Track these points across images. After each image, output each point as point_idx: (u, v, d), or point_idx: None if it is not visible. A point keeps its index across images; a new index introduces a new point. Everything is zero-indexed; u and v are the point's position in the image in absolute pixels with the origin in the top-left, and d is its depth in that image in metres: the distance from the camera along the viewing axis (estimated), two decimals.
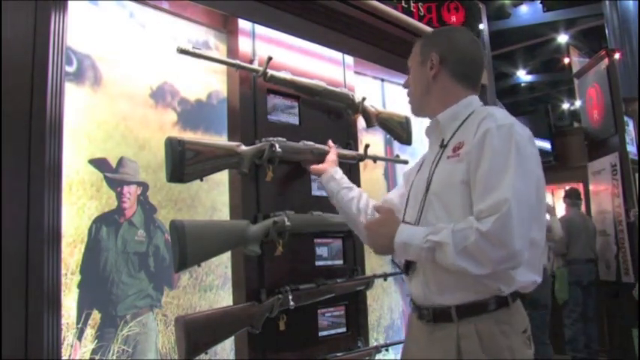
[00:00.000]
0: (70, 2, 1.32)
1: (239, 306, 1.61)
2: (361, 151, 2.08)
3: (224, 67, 1.80)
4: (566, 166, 5.33)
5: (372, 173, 2.39)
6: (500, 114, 1.18)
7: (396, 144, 2.46)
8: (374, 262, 2.30)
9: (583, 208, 4.82)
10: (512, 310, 1.16)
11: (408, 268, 1.26)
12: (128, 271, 1.51)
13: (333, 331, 1.92)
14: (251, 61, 1.77)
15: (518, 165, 1.09)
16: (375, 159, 2.10)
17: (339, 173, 1.65)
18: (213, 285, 1.72)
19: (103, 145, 1.50)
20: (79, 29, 1.47)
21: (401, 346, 2.37)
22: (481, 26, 3.09)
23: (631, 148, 4.67)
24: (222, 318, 1.52)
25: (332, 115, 2.02)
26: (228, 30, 1.84)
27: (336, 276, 1.89)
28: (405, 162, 2.32)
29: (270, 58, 1.68)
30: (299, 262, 1.81)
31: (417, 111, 1.39)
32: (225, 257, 1.73)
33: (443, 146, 1.25)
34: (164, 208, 1.63)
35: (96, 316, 1.42)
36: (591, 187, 4.81)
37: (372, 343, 2.12)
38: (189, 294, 1.65)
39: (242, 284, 1.67)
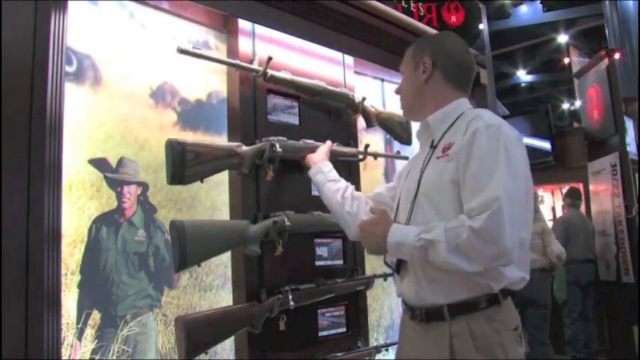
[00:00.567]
0: (70, 2, 1.32)
1: (239, 306, 1.61)
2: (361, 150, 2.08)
3: (224, 67, 1.80)
4: (566, 166, 5.32)
5: (372, 173, 2.39)
6: (488, 115, 1.20)
7: (396, 144, 2.46)
8: (374, 262, 2.30)
9: (583, 208, 4.81)
10: (504, 308, 1.17)
11: (399, 267, 1.27)
12: (128, 271, 1.51)
13: (333, 331, 1.92)
14: (251, 61, 1.77)
15: (507, 164, 1.10)
16: (375, 155, 2.10)
17: (327, 167, 1.66)
18: (213, 285, 1.72)
19: (103, 145, 1.50)
20: (79, 29, 1.47)
21: None
22: (481, 26, 3.09)
23: (631, 148, 4.66)
24: (222, 318, 1.53)
25: (332, 115, 2.02)
26: (228, 30, 1.84)
27: (336, 276, 1.89)
28: (406, 158, 2.31)
29: (270, 58, 1.68)
30: (299, 262, 1.81)
31: (410, 115, 1.42)
32: (225, 257, 1.73)
33: (433, 147, 1.26)
34: (164, 208, 1.63)
35: (96, 316, 1.42)
36: (591, 187, 4.80)
37: (372, 343, 2.12)
38: (189, 294, 1.66)
39: (242, 284, 1.67)
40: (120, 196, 1.52)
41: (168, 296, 1.60)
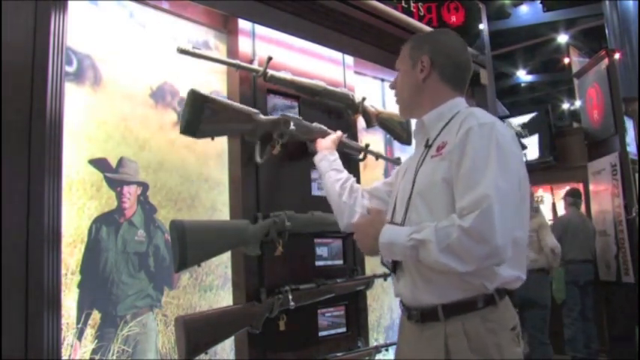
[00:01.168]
0: (70, 2, 1.32)
1: (239, 306, 1.61)
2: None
3: (224, 67, 1.80)
4: (566, 166, 5.32)
5: (372, 173, 2.39)
6: (481, 113, 1.20)
7: (396, 144, 2.46)
8: (374, 262, 2.29)
9: (583, 208, 4.81)
10: (500, 308, 1.16)
11: (396, 267, 1.27)
12: (128, 271, 1.51)
13: (333, 331, 1.92)
14: (251, 61, 1.77)
15: (499, 162, 1.09)
16: (377, 156, 2.09)
17: (333, 155, 1.68)
18: (213, 285, 1.72)
19: (103, 145, 1.50)
20: (79, 29, 1.47)
21: None
22: (481, 26, 3.09)
23: (631, 148, 4.66)
24: (222, 318, 1.53)
25: (332, 115, 2.02)
26: (228, 30, 1.84)
27: (336, 276, 1.89)
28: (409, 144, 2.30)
29: (270, 58, 1.68)
30: (299, 262, 1.81)
31: (406, 112, 1.41)
32: (225, 257, 1.73)
33: (427, 146, 1.26)
34: (164, 208, 1.63)
35: (96, 316, 1.42)
36: (591, 187, 4.80)
37: (372, 343, 2.12)
38: (189, 294, 1.66)
39: (242, 284, 1.67)
40: (120, 196, 1.52)
41: (168, 296, 1.60)
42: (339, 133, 1.82)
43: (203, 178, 1.74)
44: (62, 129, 1.26)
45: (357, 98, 2.05)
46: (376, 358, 2.01)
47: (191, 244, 1.41)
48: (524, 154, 4.90)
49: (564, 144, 5.37)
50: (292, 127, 1.67)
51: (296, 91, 1.87)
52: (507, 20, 9.63)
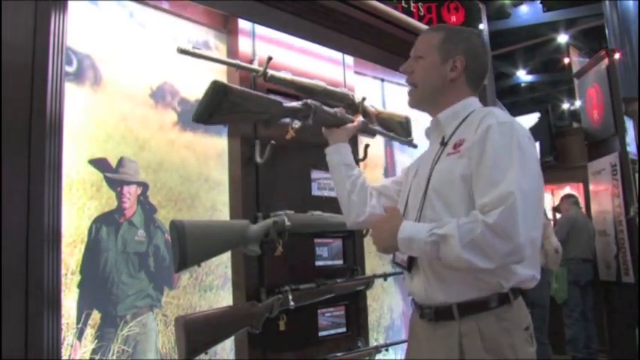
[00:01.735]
0: (70, 2, 1.32)
1: (239, 306, 1.61)
2: (361, 151, 2.08)
3: (224, 67, 1.80)
4: (566, 166, 5.32)
5: (372, 173, 2.39)
6: (500, 112, 1.20)
7: (396, 144, 2.46)
8: (374, 262, 2.30)
9: (583, 208, 4.82)
10: (514, 307, 1.16)
11: (411, 265, 1.25)
12: (128, 271, 1.51)
13: (333, 331, 1.92)
14: (251, 61, 1.77)
15: (520, 162, 1.09)
16: (391, 137, 2.01)
17: (346, 149, 1.59)
18: (213, 285, 1.72)
19: (103, 145, 1.50)
20: (79, 29, 1.47)
21: (401, 346, 2.37)
22: (481, 26, 3.09)
23: (631, 148, 4.66)
24: (222, 318, 1.53)
25: None
26: (228, 30, 1.84)
27: (336, 276, 1.89)
28: (414, 146, 2.25)
29: (270, 58, 1.68)
30: (299, 262, 1.81)
31: (419, 104, 1.36)
32: (225, 257, 1.73)
33: (443, 144, 1.25)
34: (164, 208, 1.63)
35: (96, 316, 1.42)
36: (591, 187, 4.80)
37: (372, 343, 2.12)
38: (189, 294, 1.65)
39: (242, 284, 1.67)
40: (120, 196, 1.52)
41: (168, 296, 1.60)
42: (356, 123, 1.68)
43: (203, 178, 1.74)
44: (62, 129, 1.26)
45: (357, 98, 2.05)
46: (376, 358, 2.01)
47: (191, 244, 1.41)
48: None
49: (564, 144, 5.37)
50: (311, 111, 1.57)
51: (296, 91, 1.87)
52: (507, 20, 9.63)
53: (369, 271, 2.07)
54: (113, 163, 1.52)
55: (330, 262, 1.94)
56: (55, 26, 1.26)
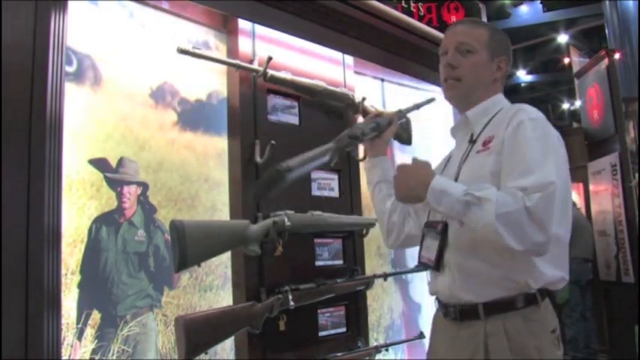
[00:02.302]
0: (70, 2, 1.32)
1: (239, 306, 1.61)
2: (361, 151, 2.08)
3: (224, 67, 1.80)
4: None
5: None
6: (531, 108, 1.19)
7: (396, 144, 2.46)
8: (374, 262, 2.30)
9: (583, 208, 4.82)
10: (542, 309, 1.14)
11: (439, 264, 1.21)
12: (128, 271, 1.51)
13: (333, 331, 1.92)
14: (251, 61, 1.77)
15: (555, 156, 1.09)
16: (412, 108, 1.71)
17: (386, 163, 1.51)
18: (213, 285, 1.72)
19: (103, 145, 1.50)
20: (79, 29, 1.47)
21: (401, 346, 2.37)
22: None
23: (631, 148, 4.66)
24: (222, 318, 1.52)
25: (332, 115, 2.02)
26: (228, 30, 1.84)
27: (336, 276, 1.89)
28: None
29: (270, 58, 1.68)
30: (299, 262, 1.81)
31: (460, 100, 1.31)
32: (225, 257, 1.73)
33: (472, 142, 1.24)
34: (164, 208, 1.63)
35: (96, 316, 1.42)
36: (591, 187, 4.80)
37: (372, 343, 2.12)
38: (189, 294, 1.65)
39: (242, 284, 1.67)
40: (120, 196, 1.52)
41: (168, 296, 1.60)
42: (393, 126, 1.51)
43: (203, 178, 1.74)
44: (62, 129, 1.26)
45: (357, 98, 2.05)
46: (376, 358, 2.01)
47: (191, 244, 1.41)
48: None
49: (564, 144, 5.37)
50: (363, 102, 1.53)
51: (296, 91, 1.87)
52: (507, 20, 9.63)
53: (369, 271, 2.07)
54: (113, 163, 1.52)
55: (330, 262, 1.94)
56: (55, 26, 1.25)
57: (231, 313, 1.56)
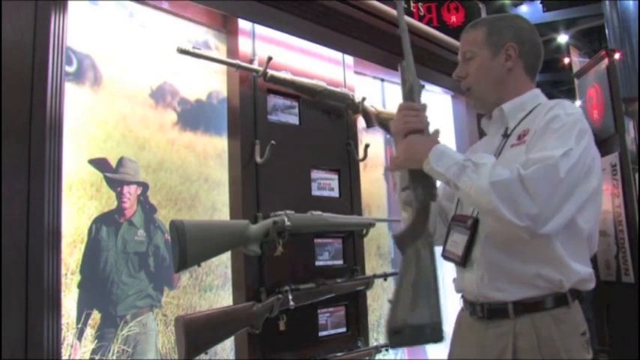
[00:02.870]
0: (70, 2, 1.32)
1: (239, 306, 1.61)
2: (361, 151, 2.08)
3: (224, 67, 1.80)
4: None
5: (371, 173, 2.39)
6: (569, 104, 1.16)
7: None
8: (374, 262, 2.30)
9: None
10: (572, 310, 1.12)
11: (466, 260, 1.18)
12: (128, 271, 1.51)
13: (333, 331, 1.92)
14: (251, 61, 1.77)
15: (578, 141, 1.05)
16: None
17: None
18: (213, 285, 1.72)
19: (103, 145, 1.50)
20: (79, 29, 1.47)
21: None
22: None
23: (631, 148, 4.66)
24: (222, 318, 1.52)
25: (332, 115, 2.02)
26: (228, 30, 1.84)
27: (336, 276, 1.89)
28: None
29: (270, 58, 1.68)
30: (299, 262, 1.81)
31: (482, 105, 1.30)
32: (225, 257, 1.73)
33: (506, 136, 1.20)
34: (164, 208, 1.63)
35: (96, 316, 1.42)
36: None
37: (372, 343, 2.12)
38: (189, 294, 1.65)
39: (242, 284, 1.67)
40: (120, 196, 1.52)
41: (168, 296, 1.60)
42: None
43: (203, 178, 1.74)
44: (62, 129, 1.26)
45: (357, 98, 2.05)
46: (376, 358, 2.01)
47: (191, 244, 1.41)
48: None
49: None
50: (419, 86, 1.28)
51: (296, 91, 1.87)
52: None
53: (369, 271, 2.07)
54: (113, 163, 1.52)
55: (330, 262, 1.94)
56: (55, 26, 1.25)
57: (231, 313, 1.56)
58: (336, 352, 1.86)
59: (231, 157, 1.79)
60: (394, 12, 2.27)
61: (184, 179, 1.69)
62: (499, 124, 1.26)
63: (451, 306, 1.56)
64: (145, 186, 1.59)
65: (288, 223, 1.68)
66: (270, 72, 1.72)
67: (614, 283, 4.34)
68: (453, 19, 2.66)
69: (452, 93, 2.82)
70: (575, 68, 6.77)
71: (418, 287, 1.09)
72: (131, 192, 1.55)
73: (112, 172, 1.51)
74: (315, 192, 1.93)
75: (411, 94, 1.24)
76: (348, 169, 2.05)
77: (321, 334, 1.87)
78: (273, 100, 1.85)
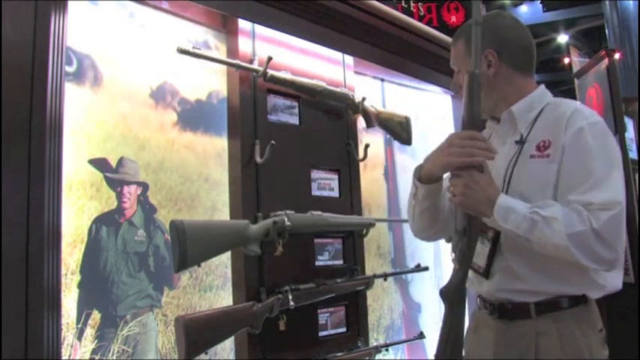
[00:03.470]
0: (70, 2, 1.32)
1: (239, 306, 1.61)
2: (361, 151, 2.08)
3: (224, 67, 1.80)
4: None
5: (371, 173, 2.39)
6: (586, 109, 1.15)
7: (396, 144, 2.46)
8: (374, 262, 2.30)
9: None
10: (590, 308, 1.14)
11: (489, 272, 1.17)
12: (128, 271, 1.51)
13: (333, 331, 1.92)
14: (251, 61, 1.77)
15: (619, 168, 1.07)
16: None
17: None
18: (213, 285, 1.72)
19: (103, 145, 1.50)
20: (79, 29, 1.47)
21: (401, 346, 2.37)
22: None
23: (631, 148, 4.66)
24: (222, 318, 1.53)
25: (332, 115, 2.02)
26: (228, 30, 1.84)
27: (336, 276, 1.89)
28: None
29: (270, 58, 1.68)
30: (299, 262, 1.81)
31: (486, 113, 1.28)
32: (225, 257, 1.73)
33: (521, 142, 1.18)
34: (164, 208, 1.63)
35: (96, 316, 1.42)
36: None
37: (372, 343, 2.12)
38: (189, 294, 1.65)
39: (242, 284, 1.67)
40: (120, 196, 1.52)
41: (168, 296, 1.60)
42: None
43: (203, 178, 1.74)
44: (62, 129, 1.26)
45: (357, 98, 2.05)
46: (376, 358, 2.01)
47: (191, 244, 1.41)
48: None
49: None
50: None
51: (296, 91, 1.87)
52: None
53: (369, 271, 2.07)
54: (113, 163, 1.52)
55: (330, 262, 1.94)
56: (55, 26, 1.25)
57: (231, 313, 1.56)
58: (336, 352, 1.86)
59: (231, 157, 1.79)
60: (394, 12, 2.28)
61: (184, 179, 1.69)
62: (507, 126, 1.24)
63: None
64: (145, 186, 1.59)
65: (288, 223, 1.68)
66: (270, 72, 1.72)
67: None
68: (453, 19, 2.66)
69: (452, 93, 2.82)
70: (575, 68, 6.77)
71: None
72: (131, 192, 1.55)
73: (112, 172, 1.51)
74: (315, 192, 1.93)
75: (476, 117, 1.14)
76: (348, 169, 2.05)
77: (321, 334, 1.87)
78: (273, 100, 1.85)
